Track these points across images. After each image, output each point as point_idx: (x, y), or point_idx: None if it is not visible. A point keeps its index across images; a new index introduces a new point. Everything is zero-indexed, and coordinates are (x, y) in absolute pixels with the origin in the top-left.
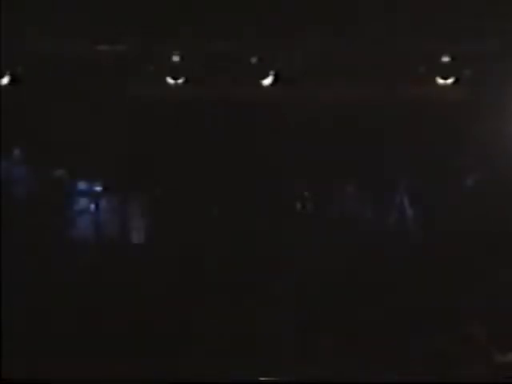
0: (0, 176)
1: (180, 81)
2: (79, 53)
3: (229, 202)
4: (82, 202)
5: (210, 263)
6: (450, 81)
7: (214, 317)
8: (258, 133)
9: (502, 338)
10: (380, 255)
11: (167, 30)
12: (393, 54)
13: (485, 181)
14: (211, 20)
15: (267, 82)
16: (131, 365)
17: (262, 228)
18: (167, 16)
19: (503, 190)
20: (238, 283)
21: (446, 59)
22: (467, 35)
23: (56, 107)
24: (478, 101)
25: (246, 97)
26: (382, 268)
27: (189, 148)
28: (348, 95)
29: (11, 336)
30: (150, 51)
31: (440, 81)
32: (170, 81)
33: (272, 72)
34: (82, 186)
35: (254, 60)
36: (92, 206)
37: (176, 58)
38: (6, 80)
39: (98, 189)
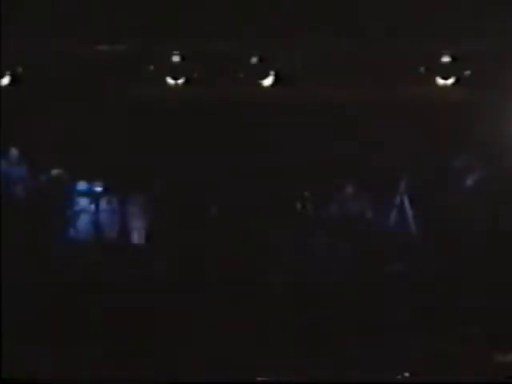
0: (0, 176)
1: (180, 81)
2: (79, 53)
3: (229, 202)
4: (82, 202)
5: (209, 263)
6: (450, 81)
7: (214, 317)
8: (258, 133)
9: (502, 338)
10: (380, 255)
11: (167, 30)
12: (393, 54)
13: (485, 180)
14: (211, 20)
15: (267, 82)
16: (131, 365)
17: (262, 228)
18: (167, 16)
19: (503, 190)
20: (237, 283)
21: (446, 59)
22: (467, 35)
23: (56, 107)
24: (478, 101)
25: (246, 97)
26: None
27: (189, 148)
28: (348, 95)
29: (11, 336)
30: (150, 51)
31: (440, 81)
32: (170, 81)
33: (272, 72)
34: (81, 186)
35: (254, 60)
36: (92, 206)
37: (176, 58)
38: (6, 80)
39: (98, 189)
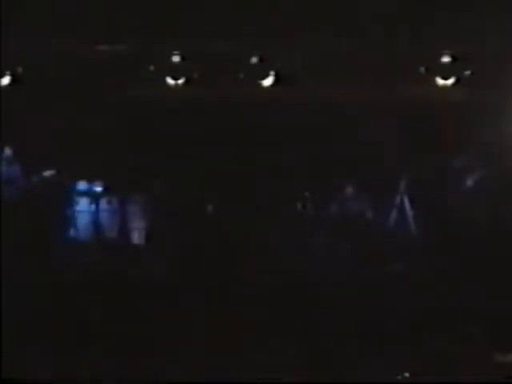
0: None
1: (180, 81)
2: (79, 53)
3: (229, 202)
4: (82, 202)
5: (209, 263)
6: (450, 81)
7: (214, 317)
8: (258, 133)
9: (502, 338)
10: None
11: (167, 30)
12: (393, 54)
13: (485, 180)
14: (211, 20)
15: (267, 82)
16: (131, 364)
17: (262, 227)
18: (167, 16)
19: (503, 190)
20: (237, 283)
21: (446, 59)
22: (467, 35)
23: (56, 107)
24: (478, 101)
25: (246, 97)
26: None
27: (189, 148)
28: (348, 95)
29: (11, 336)
30: (150, 51)
31: (440, 81)
32: (170, 81)
33: (272, 72)
34: (81, 186)
35: (254, 60)
36: (92, 206)
37: (176, 58)
38: (6, 80)
39: (98, 189)
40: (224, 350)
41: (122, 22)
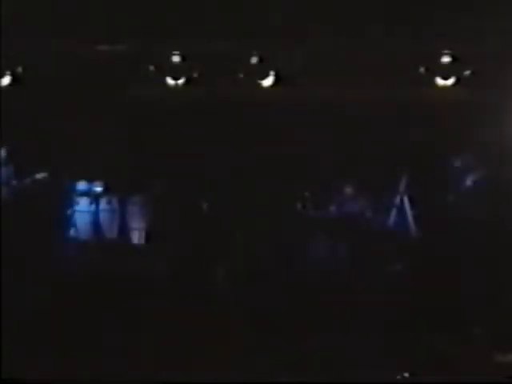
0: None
1: (180, 81)
2: (79, 53)
3: (229, 202)
4: (82, 202)
5: (209, 263)
6: (450, 81)
7: (215, 317)
8: (258, 133)
9: (503, 338)
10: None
11: (167, 30)
12: (393, 54)
13: (485, 180)
14: (211, 20)
15: (267, 82)
16: (131, 364)
17: (262, 227)
18: (167, 16)
19: (503, 190)
20: (237, 283)
21: (446, 59)
22: (467, 35)
23: (56, 107)
24: (478, 101)
25: (246, 97)
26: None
27: (189, 148)
28: (348, 95)
29: (11, 336)
30: (150, 51)
31: (440, 81)
32: (170, 81)
33: (272, 72)
34: (81, 186)
35: (254, 60)
36: (92, 206)
37: (176, 58)
38: (6, 80)
39: (98, 189)
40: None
41: (122, 22)
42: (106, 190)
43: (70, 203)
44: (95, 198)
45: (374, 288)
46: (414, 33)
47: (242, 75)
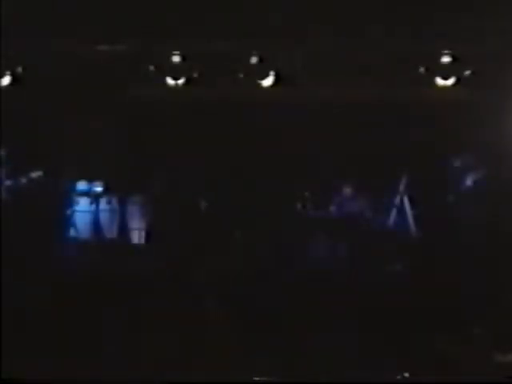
0: (0, 177)
1: (180, 81)
2: (79, 53)
3: (229, 202)
4: (82, 202)
5: (209, 263)
6: (450, 81)
7: (215, 317)
8: (258, 133)
9: (503, 338)
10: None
11: (167, 30)
12: (393, 54)
13: (485, 180)
14: (211, 20)
15: (267, 82)
16: (131, 364)
17: (262, 227)
18: (167, 16)
19: (503, 190)
20: (237, 283)
21: (446, 59)
22: (467, 35)
23: (56, 107)
24: (478, 101)
25: (246, 97)
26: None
27: (189, 148)
28: (348, 95)
29: (11, 336)
30: (150, 51)
31: (440, 81)
32: (170, 81)
33: (272, 72)
34: (81, 186)
35: (254, 60)
36: (92, 206)
37: (176, 58)
38: (6, 80)
39: (98, 189)
40: (224, 349)
41: (122, 22)
42: (106, 190)
43: (70, 203)
44: (95, 198)
45: (374, 288)
46: (414, 33)
47: (242, 75)
